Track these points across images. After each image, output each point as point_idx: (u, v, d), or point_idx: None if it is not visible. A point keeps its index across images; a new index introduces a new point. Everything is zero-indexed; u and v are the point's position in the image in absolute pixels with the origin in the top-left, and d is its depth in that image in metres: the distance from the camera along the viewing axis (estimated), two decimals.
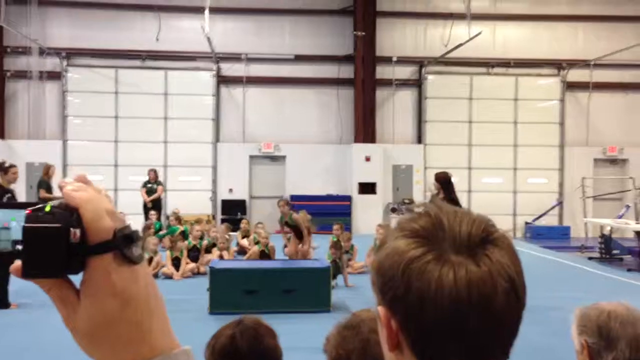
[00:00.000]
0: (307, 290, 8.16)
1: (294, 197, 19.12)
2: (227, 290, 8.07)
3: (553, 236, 18.93)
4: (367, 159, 19.52)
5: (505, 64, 20.66)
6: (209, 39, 16.29)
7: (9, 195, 8.44)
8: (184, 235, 12.93)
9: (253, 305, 8.06)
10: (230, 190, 19.68)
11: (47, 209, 0.72)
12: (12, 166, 8.56)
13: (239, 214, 18.68)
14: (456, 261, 0.85)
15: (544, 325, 7.64)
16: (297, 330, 7.48)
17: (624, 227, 13.96)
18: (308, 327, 7.51)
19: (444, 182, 8.71)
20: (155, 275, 10.75)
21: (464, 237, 0.87)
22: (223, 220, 18.10)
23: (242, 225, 14.26)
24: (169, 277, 10.64)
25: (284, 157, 19.80)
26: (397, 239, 0.90)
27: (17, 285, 8.96)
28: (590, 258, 14.30)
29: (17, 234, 0.73)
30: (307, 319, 7.84)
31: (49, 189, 13.68)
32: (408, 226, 0.90)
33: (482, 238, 0.88)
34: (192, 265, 11.02)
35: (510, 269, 0.88)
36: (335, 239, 12.17)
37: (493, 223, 0.93)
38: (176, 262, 10.85)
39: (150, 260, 10.83)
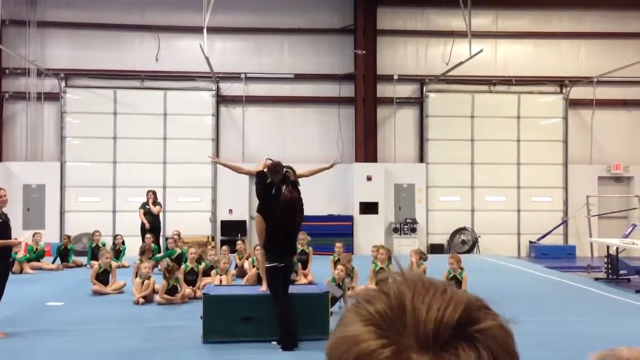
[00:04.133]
0: (305, 317, 7.87)
1: None
2: (222, 317, 7.78)
3: (558, 256, 18.62)
4: (369, 178, 19.31)
5: (507, 81, 20.50)
6: (207, 58, 16.16)
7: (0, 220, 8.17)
8: (181, 258, 12.68)
9: (249, 333, 7.81)
10: (230, 211, 19.45)
11: None
12: None
13: (239, 235, 18.43)
14: None
15: (553, 351, 7.36)
16: (295, 359, 7.21)
17: (631, 246, 13.68)
18: (306, 356, 7.24)
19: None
20: (149, 301, 10.47)
21: (429, 328, 0.64)
22: (222, 242, 17.87)
23: (238, 246, 13.93)
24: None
25: None
26: (352, 323, 0.67)
27: (6, 314, 8.71)
28: (596, 279, 14.00)
29: None
30: (305, 347, 7.57)
31: None
32: (363, 308, 0.68)
33: (455, 331, 0.64)
34: (188, 290, 10.72)
35: None
36: (336, 258, 11.91)
37: (482, 305, 0.68)
38: (172, 291, 10.47)
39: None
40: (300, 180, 8.24)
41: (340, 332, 0.68)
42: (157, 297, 10.41)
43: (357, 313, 0.68)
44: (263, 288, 8.40)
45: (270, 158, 8.36)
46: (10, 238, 8.36)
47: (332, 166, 8.78)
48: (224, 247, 13.49)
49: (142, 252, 12.60)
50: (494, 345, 0.64)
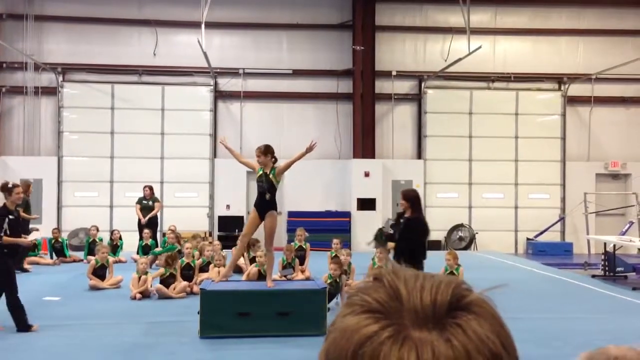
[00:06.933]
0: (303, 313, 7.87)
1: (292, 214, 18.88)
2: (219, 313, 7.77)
3: (555, 253, 18.63)
4: (367, 175, 19.29)
5: (506, 78, 20.49)
6: (205, 53, 16.12)
7: (12, 217, 8.16)
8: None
9: (246, 328, 7.80)
10: (228, 206, 19.44)
11: None
12: (15, 186, 8.35)
13: (236, 230, 18.39)
14: (418, 338, 0.64)
15: (550, 348, 7.37)
16: (291, 356, 7.20)
17: (628, 244, 13.68)
18: (303, 353, 7.23)
19: (412, 199, 8.52)
20: (146, 297, 10.46)
21: (427, 307, 0.67)
22: (220, 237, 17.84)
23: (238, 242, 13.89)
24: (162, 297, 10.33)
25: None
26: (346, 318, 0.69)
27: (3, 308, 8.69)
28: (593, 276, 14.02)
29: None
30: (302, 343, 7.56)
31: (27, 208, 13.45)
32: (359, 300, 0.70)
33: (451, 305, 0.68)
34: (184, 284, 10.69)
35: (493, 342, 0.66)
36: (334, 254, 11.87)
37: (466, 285, 0.72)
38: (169, 279, 10.53)
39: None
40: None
41: (336, 330, 0.70)
42: (156, 286, 10.40)
43: (350, 307, 0.70)
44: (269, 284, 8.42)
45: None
46: (19, 234, 8.41)
47: (310, 149, 8.47)
48: (216, 242, 13.38)
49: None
50: (485, 314, 0.69)
